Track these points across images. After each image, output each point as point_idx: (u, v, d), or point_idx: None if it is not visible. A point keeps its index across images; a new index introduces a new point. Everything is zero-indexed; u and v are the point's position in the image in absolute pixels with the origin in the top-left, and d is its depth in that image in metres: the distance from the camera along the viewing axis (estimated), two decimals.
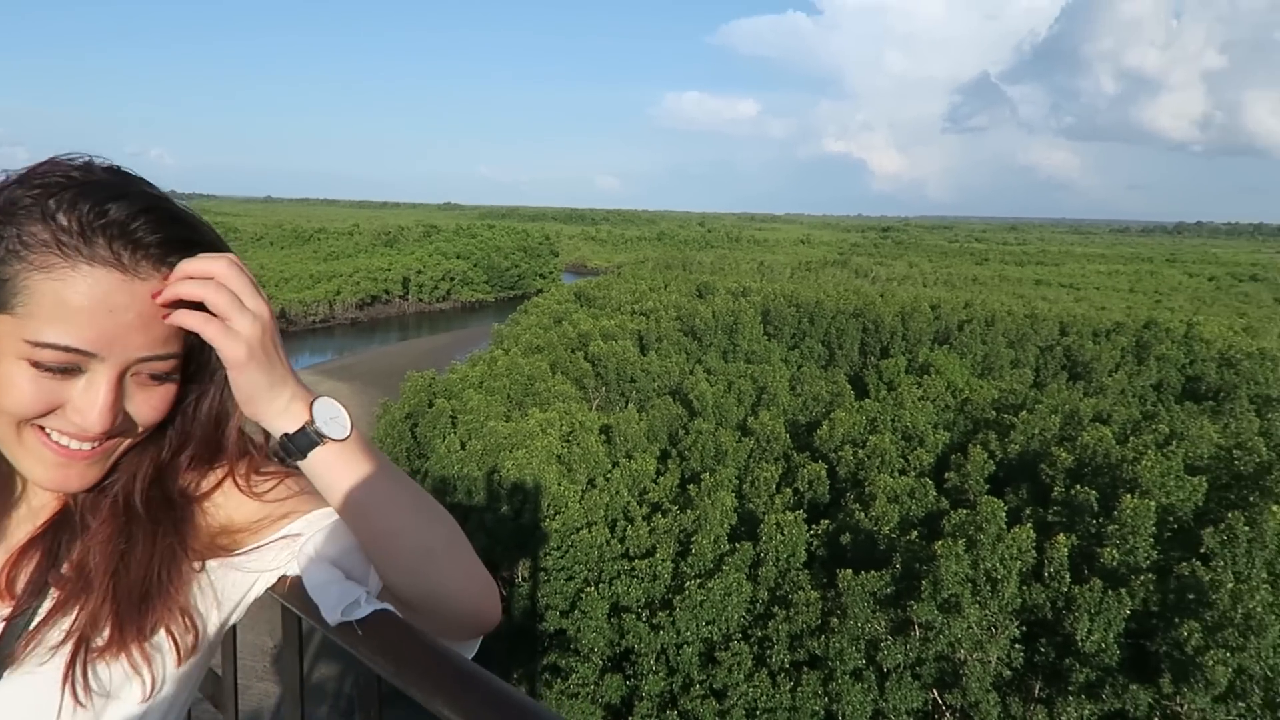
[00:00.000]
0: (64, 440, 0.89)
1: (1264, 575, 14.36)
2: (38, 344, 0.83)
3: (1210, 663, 12.98)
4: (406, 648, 0.96)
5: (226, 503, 1.05)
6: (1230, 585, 13.76)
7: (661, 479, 22.71)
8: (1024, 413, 23.83)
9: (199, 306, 0.90)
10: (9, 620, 0.92)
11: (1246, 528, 14.78)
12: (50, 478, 0.90)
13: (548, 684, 17.46)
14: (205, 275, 0.89)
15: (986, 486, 20.14)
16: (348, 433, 0.99)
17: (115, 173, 0.89)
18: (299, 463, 0.99)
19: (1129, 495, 16.45)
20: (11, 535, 0.97)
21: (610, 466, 23.12)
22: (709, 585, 16.97)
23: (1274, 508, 14.88)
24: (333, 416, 0.99)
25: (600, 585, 18.32)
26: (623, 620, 17.47)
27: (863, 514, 19.04)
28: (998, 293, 65.41)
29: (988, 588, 15.33)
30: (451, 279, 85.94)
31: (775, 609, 17.00)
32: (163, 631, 0.97)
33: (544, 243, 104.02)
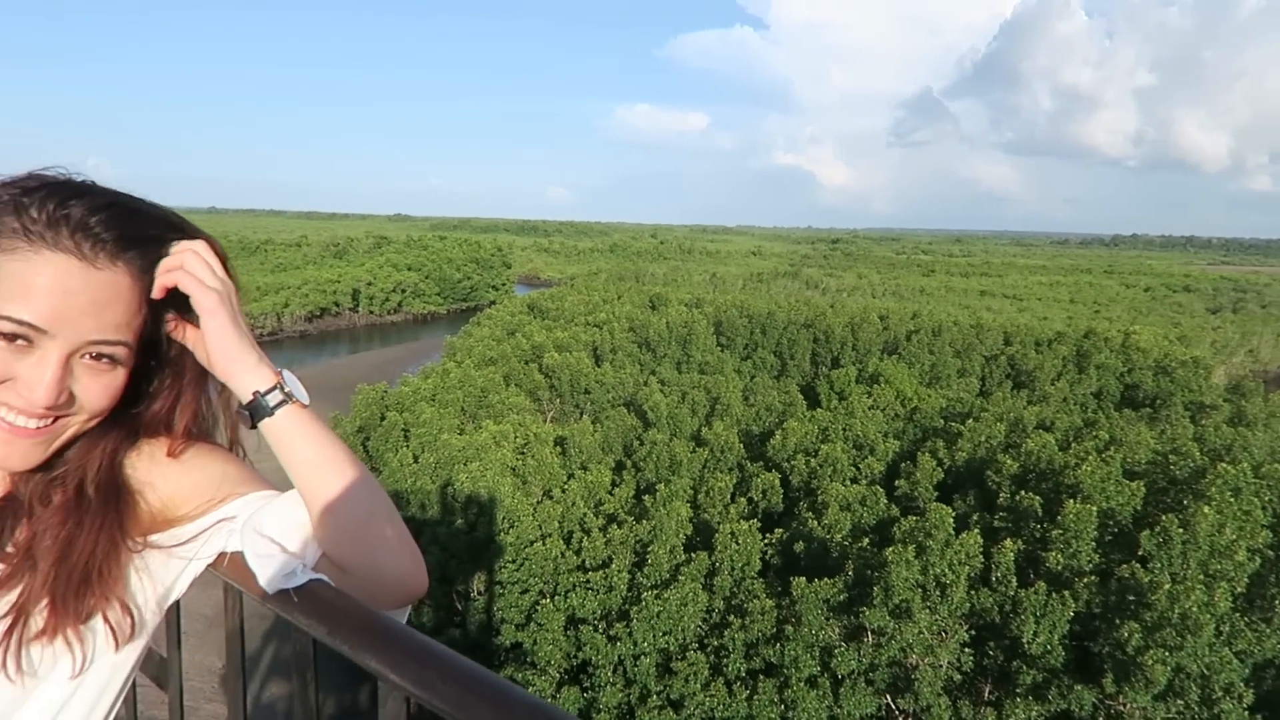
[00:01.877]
0: (10, 417, 0.95)
1: (1198, 576, 14.80)
2: None
3: (1150, 662, 13.34)
4: (339, 611, 1.05)
5: (166, 483, 1.12)
6: (1167, 586, 14.16)
7: (616, 490, 22.75)
8: (970, 421, 24.28)
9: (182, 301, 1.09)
10: None
11: (1181, 530, 15.24)
12: None
13: None
14: (187, 247, 1.05)
15: (935, 493, 20.48)
16: (308, 400, 1.14)
17: (82, 180, 1.01)
18: (263, 422, 1.10)
19: (1071, 500, 16.84)
20: None
21: (565, 478, 23.09)
22: (665, 596, 17.04)
23: (1205, 510, 15.35)
24: (296, 384, 1.14)
25: (556, 597, 18.28)
26: (579, 632, 17.45)
27: (815, 522, 19.27)
28: (944, 303, 66.67)
29: (937, 593, 15.61)
30: (403, 291, 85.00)
31: (731, 618, 17.12)
32: (99, 617, 1.03)
33: (496, 254, 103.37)
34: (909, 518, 17.53)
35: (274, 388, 1.10)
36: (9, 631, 0.97)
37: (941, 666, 15.46)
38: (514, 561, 18.95)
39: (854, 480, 21.78)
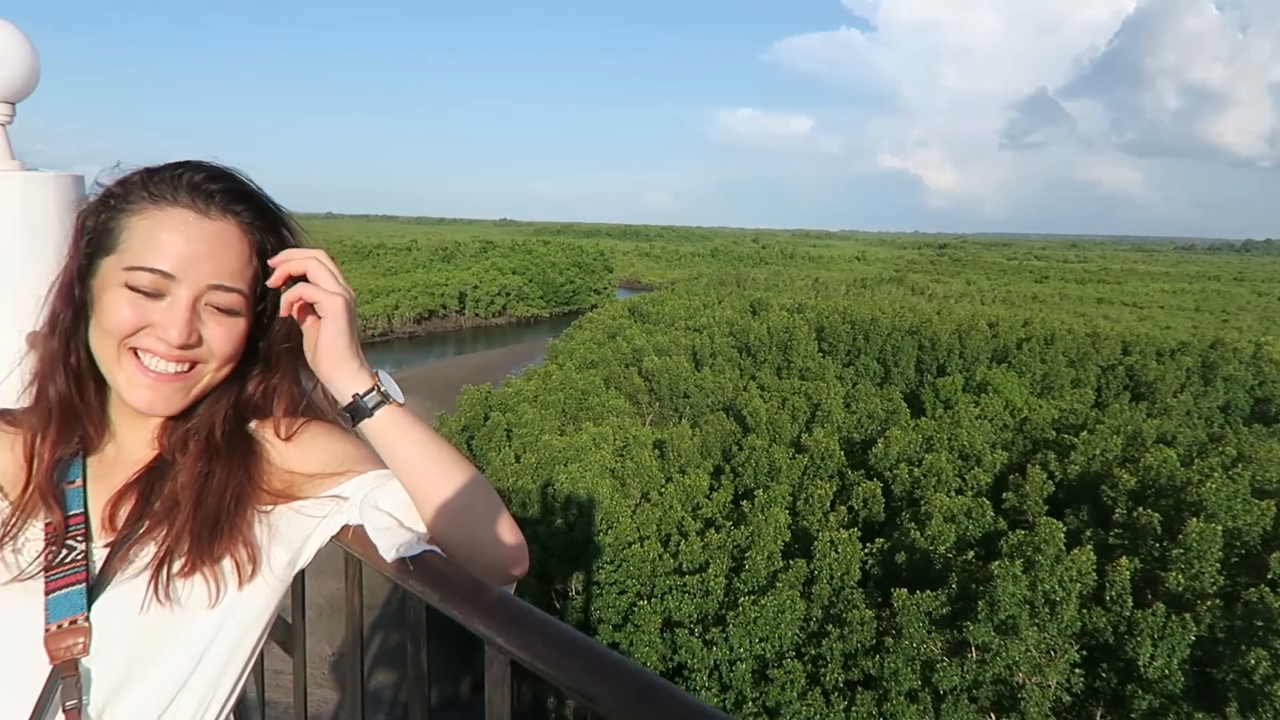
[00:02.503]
0: (152, 363, 1.10)
1: None
2: (132, 268, 1.08)
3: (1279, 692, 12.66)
4: (450, 580, 1.15)
5: (291, 456, 1.25)
6: None
7: (715, 495, 22.75)
8: (1085, 433, 23.41)
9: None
10: (111, 546, 1.13)
11: None
12: (141, 397, 1.12)
13: None
14: (310, 256, 1.17)
15: (1045, 507, 19.82)
16: (404, 399, 1.23)
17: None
18: (363, 423, 1.20)
19: (1194, 519, 16.10)
20: (113, 480, 1.18)
21: (663, 481, 23.23)
22: (762, 602, 16.96)
23: None
24: (392, 384, 1.23)
25: (653, 600, 18.40)
26: (675, 635, 17.53)
27: (918, 533, 18.87)
28: (1058, 311, 64.21)
29: (1046, 610, 15.10)
30: (507, 294, 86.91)
31: (829, 627, 16.92)
32: (228, 558, 1.15)
33: (598, 259, 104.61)
34: (1017, 531, 17.04)
35: (371, 389, 1.19)
36: (158, 567, 1.12)
37: (1050, 687, 14.94)
38: (612, 562, 19.17)
39: (959, 491, 21.25)
